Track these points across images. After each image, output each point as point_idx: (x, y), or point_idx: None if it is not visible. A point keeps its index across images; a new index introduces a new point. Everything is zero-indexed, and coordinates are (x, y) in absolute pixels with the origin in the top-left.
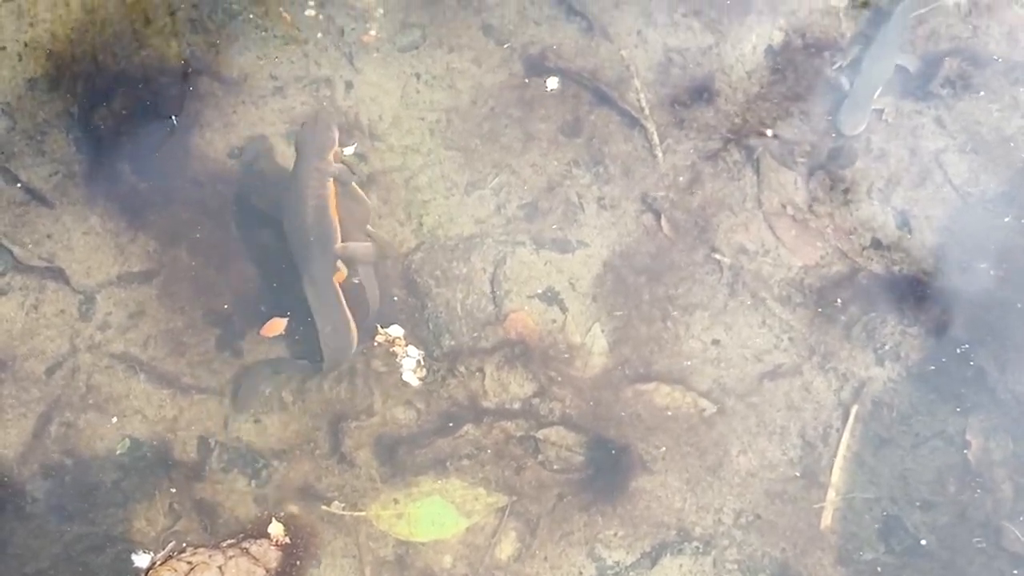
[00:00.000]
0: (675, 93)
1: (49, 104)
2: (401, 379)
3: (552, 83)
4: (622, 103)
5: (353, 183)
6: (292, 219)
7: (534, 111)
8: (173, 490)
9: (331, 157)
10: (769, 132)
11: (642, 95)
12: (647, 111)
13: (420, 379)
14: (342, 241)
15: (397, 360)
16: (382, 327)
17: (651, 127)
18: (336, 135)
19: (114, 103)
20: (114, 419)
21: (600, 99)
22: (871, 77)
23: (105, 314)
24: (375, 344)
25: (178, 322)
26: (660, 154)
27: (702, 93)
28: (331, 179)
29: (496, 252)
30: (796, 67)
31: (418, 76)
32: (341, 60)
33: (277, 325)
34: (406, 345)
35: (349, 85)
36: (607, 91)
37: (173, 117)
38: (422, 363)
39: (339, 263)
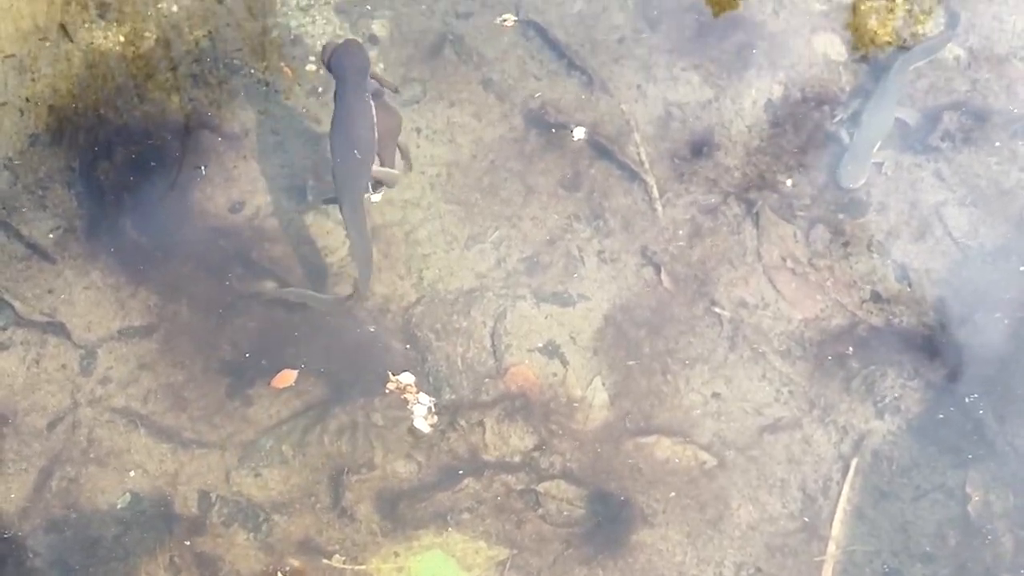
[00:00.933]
0: (675, 147)
1: (51, 159)
2: (411, 427)
3: (579, 133)
4: (622, 157)
5: (385, 97)
6: (339, 140)
7: (534, 165)
8: (174, 544)
9: (368, 76)
10: (789, 182)
11: (642, 149)
12: (647, 165)
13: (431, 426)
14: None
15: (408, 407)
16: (393, 374)
17: (651, 181)
18: (368, 55)
19: (116, 157)
20: (132, 472)
21: (600, 153)
22: (871, 131)
23: (106, 368)
24: (386, 391)
25: (179, 376)
26: (660, 208)
27: (702, 147)
28: (370, 98)
29: (496, 305)
30: (796, 121)
31: (418, 130)
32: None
33: (288, 376)
34: (417, 392)
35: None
36: (607, 145)
37: (203, 167)
38: (433, 410)
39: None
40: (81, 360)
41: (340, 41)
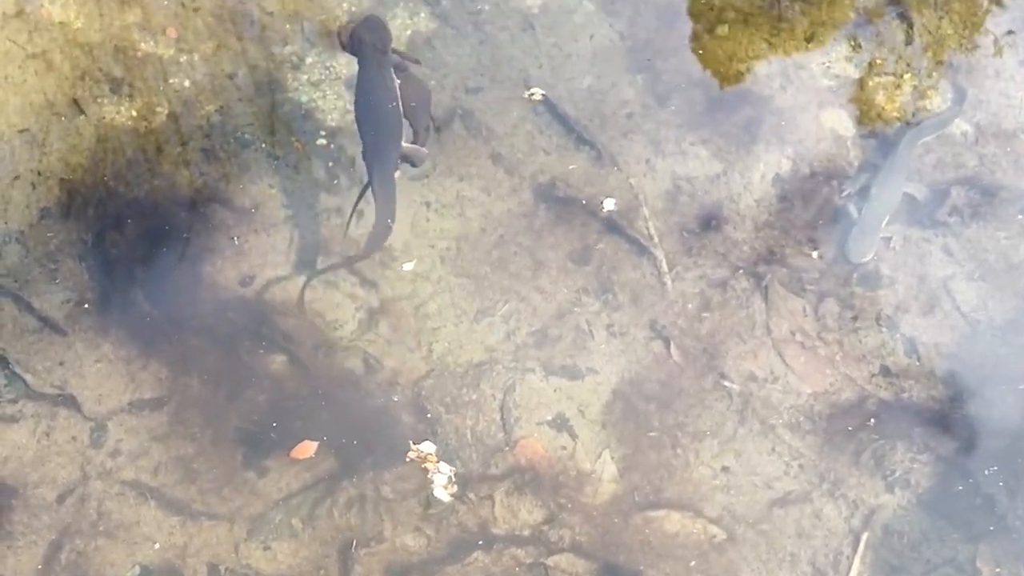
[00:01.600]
0: (684, 221)
1: (62, 232)
2: (431, 496)
3: (609, 204)
4: (631, 231)
5: (410, 69)
6: (364, 118)
7: (543, 239)
8: None
9: (390, 51)
10: (815, 254)
11: (651, 223)
12: (656, 239)
13: (452, 495)
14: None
15: (428, 476)
16: (414, 443)
17: (660, 255)
18: (390, 30)
19: (127, 231)
20: (141, 545)
21: (609, 227)
22: (879, 205)
23: (116, 441)
24: (406, 460)
25: (189, 449)
26: (669, 282)
27: (710, 221)
28: (394, 72)
29: (506, 379)
30: (804, 195)
31: (428, 204)
32: (352, 189)
33: (307, 448)
34: (437, 461)
35: (360, 214)
36: (616, 219)
37: (235, 238)
38: (453, 480)
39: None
40: (91, 432)
41: (363, 19)
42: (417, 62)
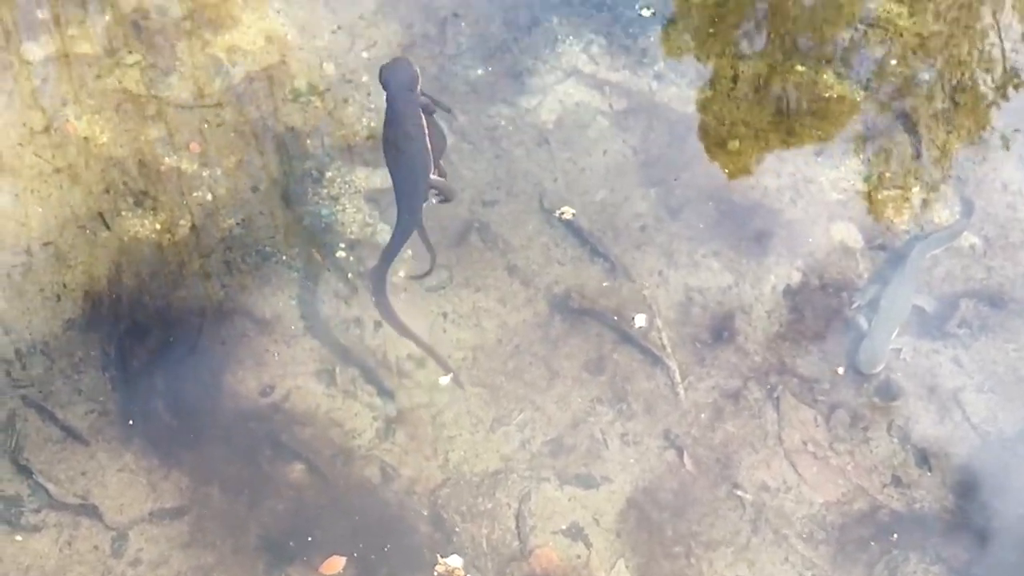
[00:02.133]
0: (696, 331)
1: (85, 343)
2: None
3: (640, 320)
4: (644, 342)
5: (434, 115)
6: (395, 150)
7: (558, 349)
8: None
9: (418, 90)
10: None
11: (664, 334)
12: (669, 349)
13: None
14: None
15: None
16: (441, 556)
17: (673, 365)
18: (418, 71)
19: (149, 342)
20: None
21: (623, 338)
22: (889, 317)
23: (137, 550)
24: (435, 574)
25: (209, 558)
26: (682, 392)
27: (722, 332)
28: (422, 111)
29: (521, 487)
30: (814, 307)
31: (445, 315)
32: (370, 301)
33: (336, 563)
34: (465, 575)
35: (378, 324)
36: (629, 330)
37: (275, 353)
38: None
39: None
40: (113, 542)
41: (395, 58)
42: (449, 110)
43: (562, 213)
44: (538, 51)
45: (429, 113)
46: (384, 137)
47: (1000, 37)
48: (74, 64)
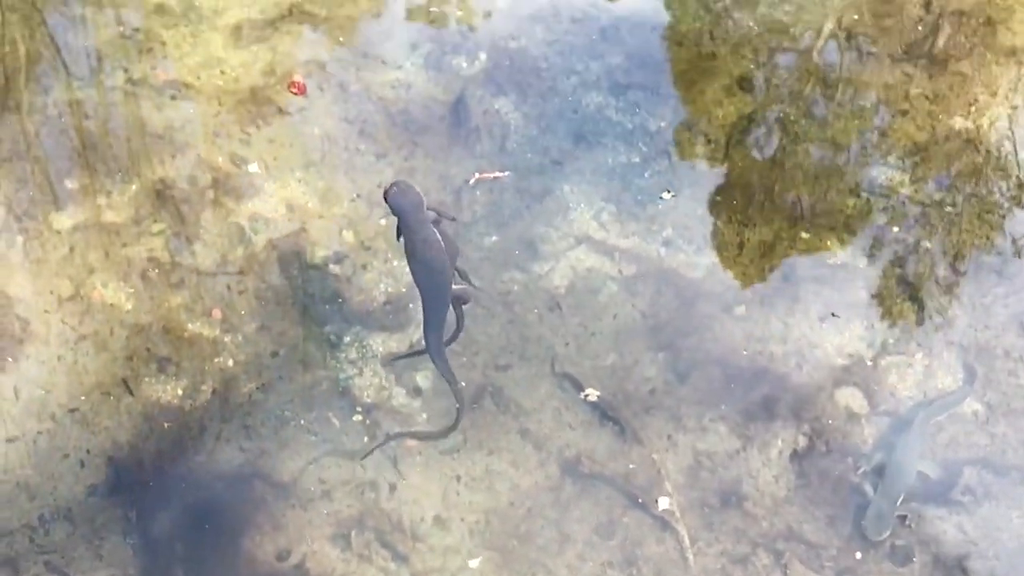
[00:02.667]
0: (705, 496)
1: (108, 509)
2: None
3: (663, 503)
4: (654, 507)
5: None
6: (419, 268)
7: (569, 513)
8: None
9: (425, 210)
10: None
11: (673, 498)
12: (678, 514)
13: None
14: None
15: None
16: None
17: (682, 530)
18: (419, 191)
19: (169, 507)
20: None
21: (632, 502)
22: (894, 483)
23: None
24: None
25: None
26: (691, 556)
27: (730, 496)
28: (433, 227)
29: None
30: (821, 472)
31: (458, 478)
32: (386, 464)
33: None
34: None
35: (393, 488)
36: (639, 495)
37: (292, 520)
38: None
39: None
40: None
41: (394, 182)
42: (453, 219)
43: (587, 395)
44: (550, 218)
45: (437, 225)
46: (408, 259)
47: (1003, 206)
48: (101, 233)
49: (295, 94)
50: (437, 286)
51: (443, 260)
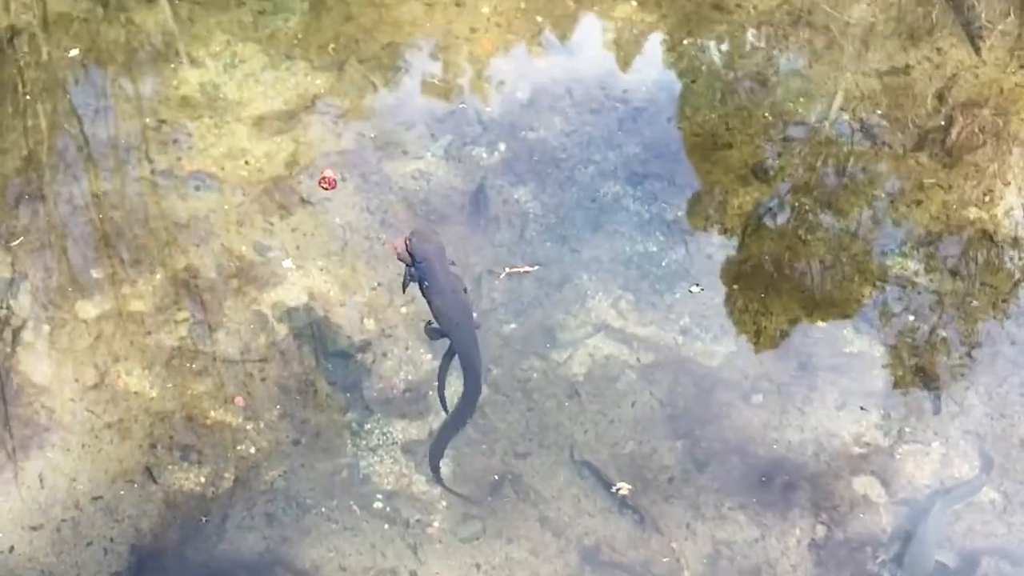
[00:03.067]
0: None
1: None
2: None
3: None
4: None
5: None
6: (446, 310)
7: None
8: None
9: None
10: None
11: None
12: None
13: None
14: None
15: None
16: None
17: None
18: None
19: None
20: None
21: None
22: (913, 572)
23: None
24: None
25: None
26: None
27: None
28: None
29: None
30: (839, 561)
31: (478, 566)
32: (406, 551)
33: None
34: None
35: (413, 575)
36: None
37: None
38: None
39: None
40: None
41: (412, 231)
42: (466, 291)
43: (619, 488)
44: (569, 306)
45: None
46: (433, 297)
47: (1019, 295)
48: (126, 321)
49: (326, 189)
50: (467, 326)
51: (467, 299)
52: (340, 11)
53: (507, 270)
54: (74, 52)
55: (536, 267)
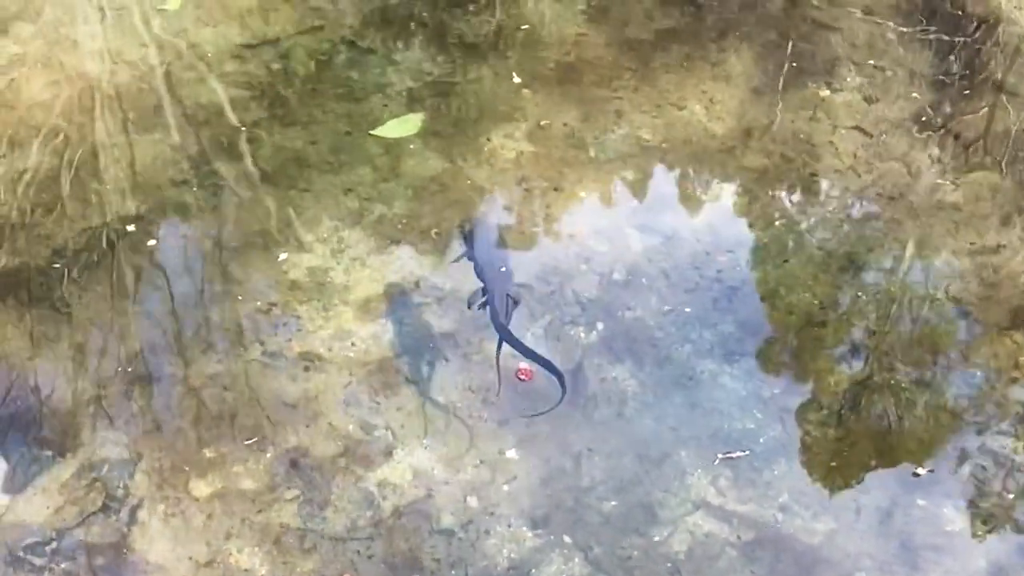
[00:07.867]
0: None
1: None
2: None
3: None
4: None
5: None
6: (494, 278)
7: None
8: None
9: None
10: None
11: None
12: None
13: None
14: None
15: None
16: None
17: None
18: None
19: None
20: None
21: None
22: None
23: None
24: None
25: None
26: None
27: None
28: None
29: None
30: None
31: None
32: None
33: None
34: None
35: None
36: None
37: None
38: None
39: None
40: None
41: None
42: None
43: None
44: (668, 483)
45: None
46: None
47: None
48: (238, 499)
49: (523, 380)
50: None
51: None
52: (443, 197)
53: (719, 456)
54: (185, 235)
55: (746, 452)
